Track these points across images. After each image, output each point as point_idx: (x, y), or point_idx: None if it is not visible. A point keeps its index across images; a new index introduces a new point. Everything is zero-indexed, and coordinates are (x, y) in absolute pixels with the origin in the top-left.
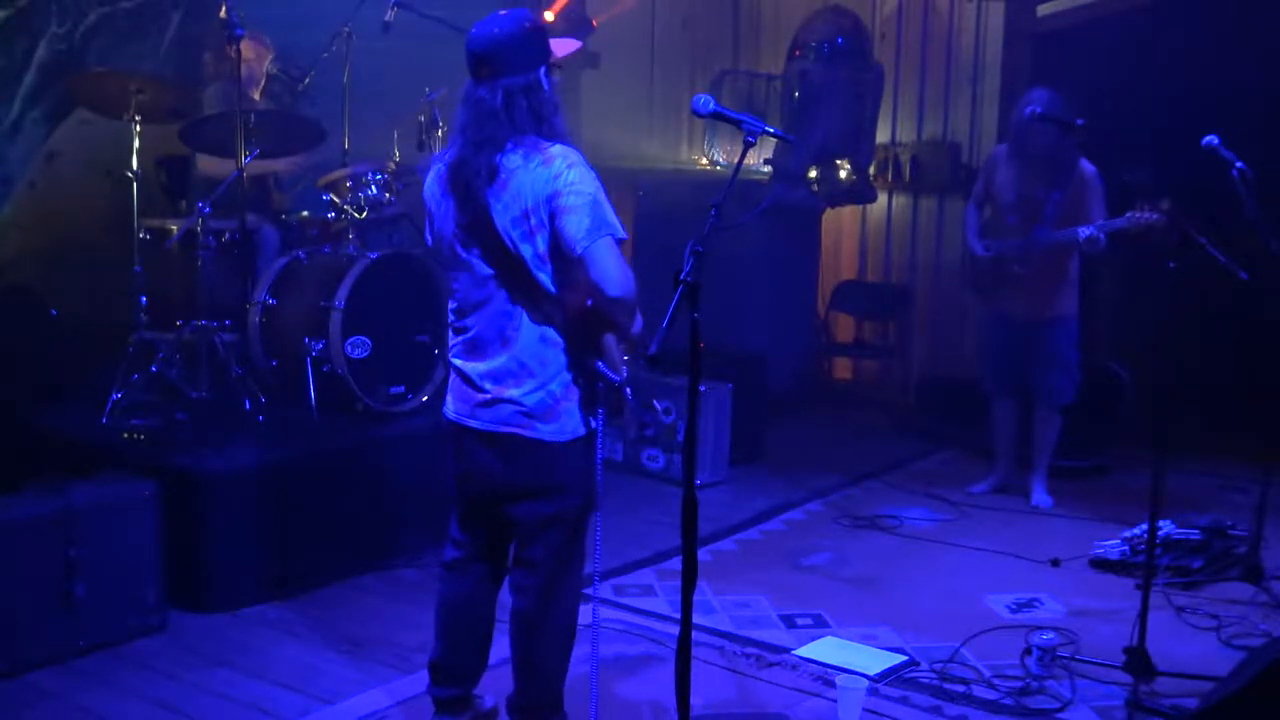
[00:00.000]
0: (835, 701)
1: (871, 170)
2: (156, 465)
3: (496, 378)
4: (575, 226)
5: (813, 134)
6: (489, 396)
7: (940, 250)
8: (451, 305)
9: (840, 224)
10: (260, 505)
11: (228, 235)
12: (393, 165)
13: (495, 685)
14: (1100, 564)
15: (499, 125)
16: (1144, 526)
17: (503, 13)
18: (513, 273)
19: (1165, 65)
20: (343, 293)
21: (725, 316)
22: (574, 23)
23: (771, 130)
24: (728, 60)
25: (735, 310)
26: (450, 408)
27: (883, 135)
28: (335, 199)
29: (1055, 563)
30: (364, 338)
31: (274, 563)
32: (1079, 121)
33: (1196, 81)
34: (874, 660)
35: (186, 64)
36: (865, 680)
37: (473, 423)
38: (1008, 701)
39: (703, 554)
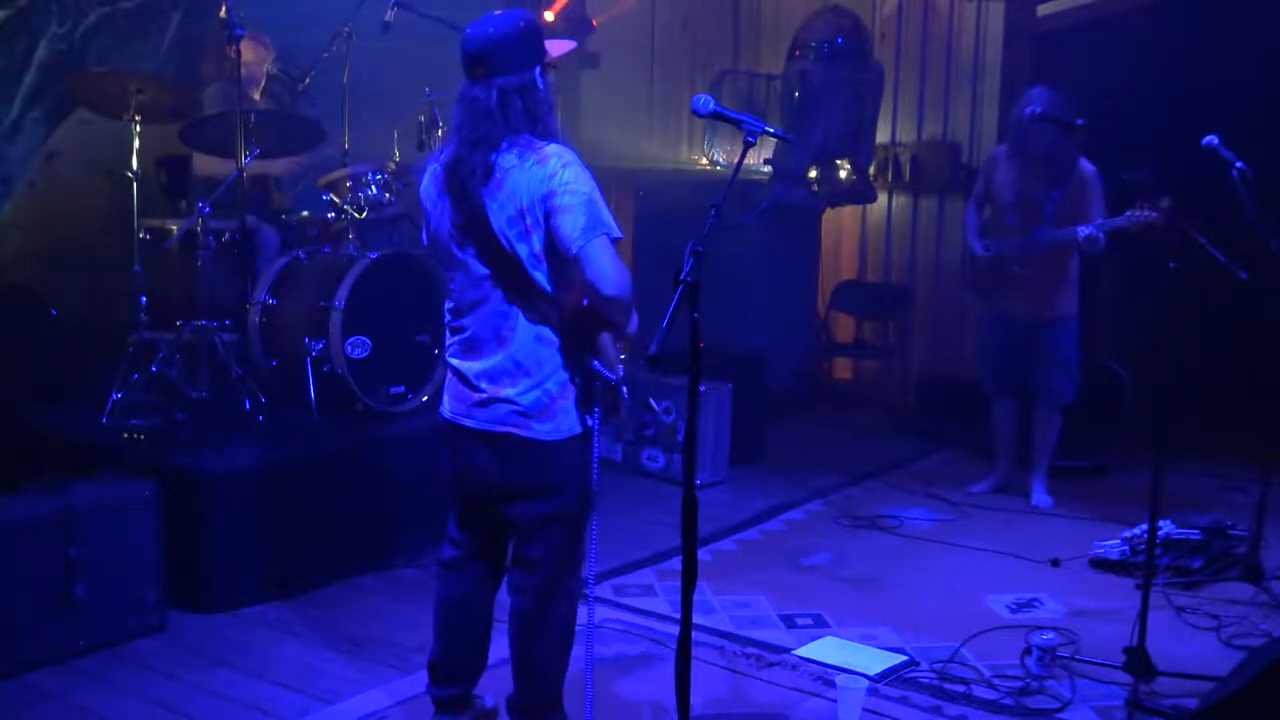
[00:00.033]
0: (835, 701)
1: (871, 170)
2: (156, 465)
3: (492, 377)
4: (570, 226)
5: (813, 134)
6: (485, 396)
7: (940, 250)
8: (448, 305)
9: (840, 224)
10: (260, 505)
11: (228, 235)
12: (393, 165)
13: (495, 685)
14: (1100, 564)
15: (494, 124)
16: (1144, 526)
17: (498, 13)
18: (509, 272)
19: (1165, 65)
20: (343, 293)
21: (725, 316)
22: (574, 23)
23: (771, 130)
24: (728, 60)
25: (735, 310)
26: (447, 407)
27: (883, 135)
28: (335, 199)
29: (1055, 563)
30: (364, 338)
31: (274, 563)
32: (1079, 121)
33: (1196, 81)
34: (874, 660)
35: (186, 64)
36: (865, 680)
37: (469, 422)
38: (1008, 701)
39: (703, 554)
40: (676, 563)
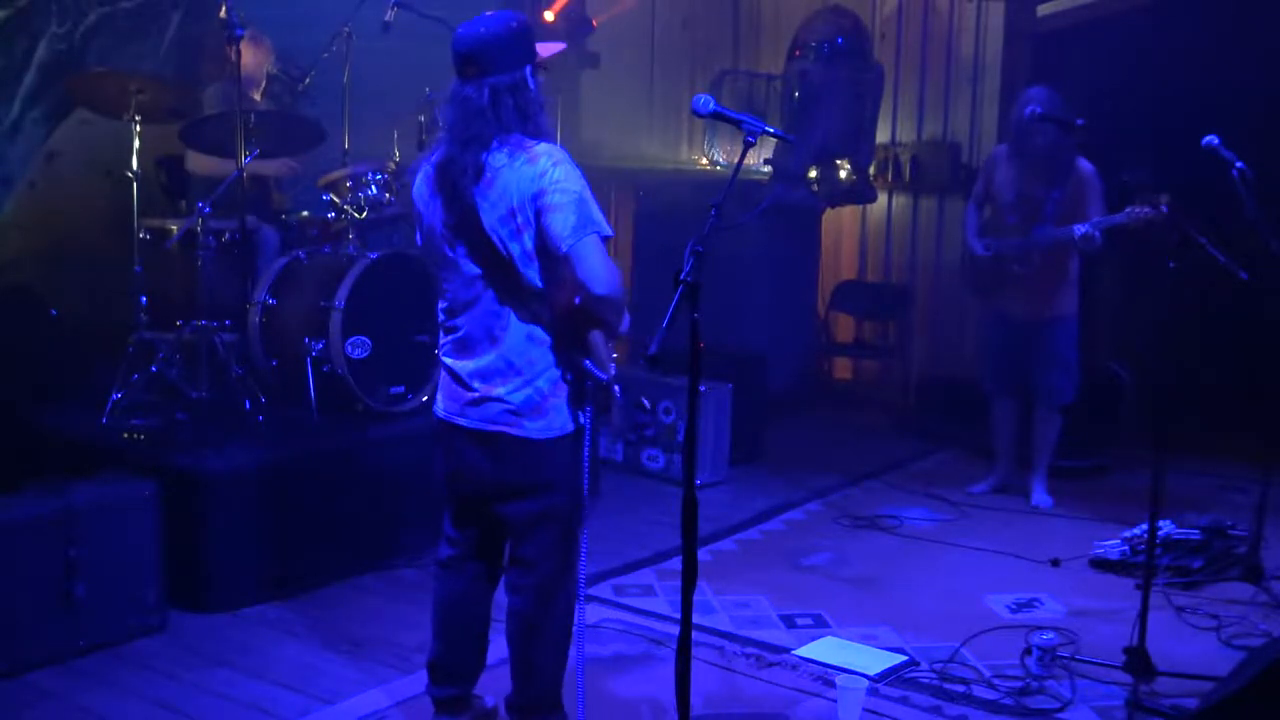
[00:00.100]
0: (835, 701)
1: (871, 170)
2: (156, 465)
3: (485, 376)
4: (561, 224)
5: (813, 134)
6: (477, 395)
7: (940, 250)
8: (441, 305)
9: (840, 224)
10: (260, 505)
11: (228, 235)
12: (393, 165)
13: (495, 685)
14: (1100, 564)
15: (485, 123)
16: (1144, 526)
17: (489, 13)
18: (501, 272)
19: (1165, 65)
20: (343, 293)
21: (725, 316)
22: (574, 23)
23: (771, 130)
24: (728, 60)
25: (735, 310)
26: (440, 406)
27: (883, 135)
28: (335, 199)
29: (1055, 563)
30: (364, 338)
31: (274, 563)
32: (1079, 121)
33: (1196, 81)
34: (874, 660)
35: (186, 64)
36: (865, 680)
37: (462, 421)
38: (1008, 701)
39: (703, 554)
40: (676, 563)
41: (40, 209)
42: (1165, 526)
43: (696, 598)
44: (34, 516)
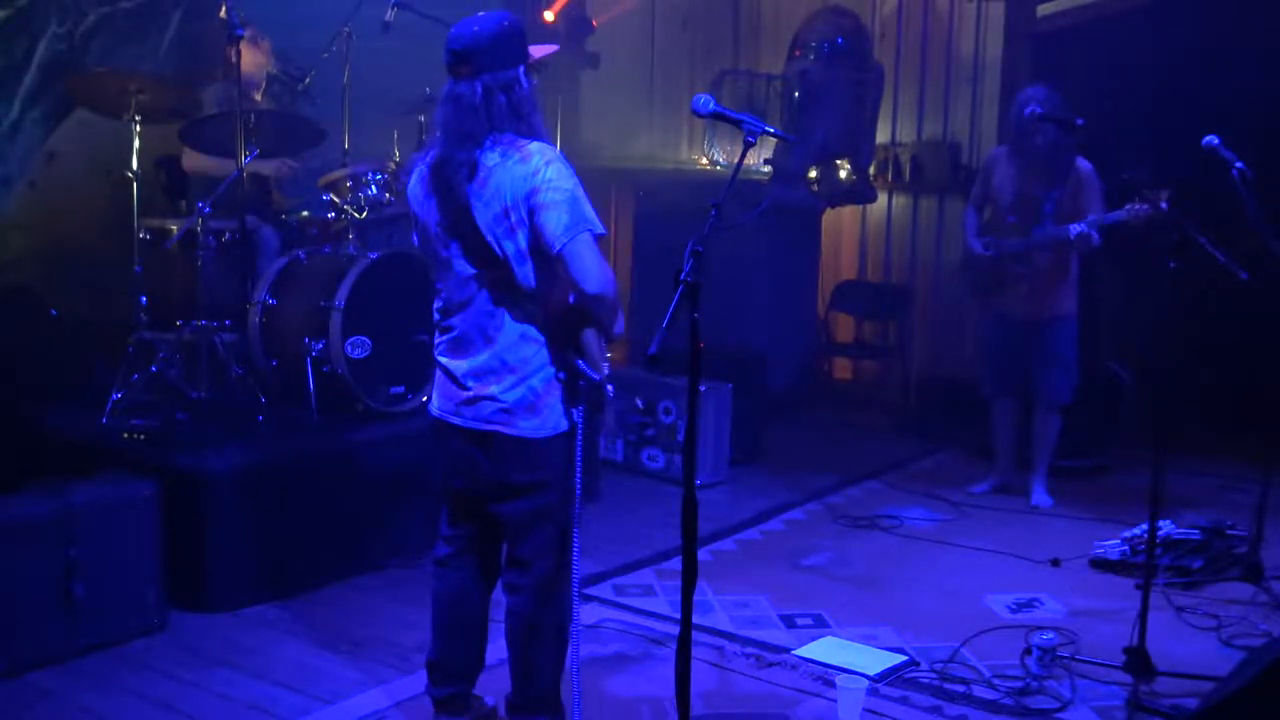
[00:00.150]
0: (835, 701)
1: (871, 170)
2: (156, 465)
3: (478, 375)
4: (554, 223)
5: (813, 134)
6: (471, 394)
7: (940, 250)
8: (436, 304)
9: (840, 224)
10: (260, 505)
11: (228, 235)
12: (393, 165)
13: (495, 685)
14: (1100, 564)
15: (478, 121)
16: (1144, 526)
17: (482, 13)
18: (495, 271)
19: (1165, 65)
20: (343, 293)
21: (725, 316)
22: (574, 23)
23: (771, 130)
24: (728, 60)
25: (735, 310)
26: (435, 405)
27: (883, 135)
28: (335, 199)
29: (1055, 563)
30: (364, 338)
31: (274, 563)
32: (1079, 121)
33: (1196, 81)
34: (874, 660)
35: (186, 64)
36: (865, 680)
37: (456, 420)
38: (1008, 701)
39: (703, 554)
40: (676, 563)
41: (40, 209)
42: (1165, 526)
43: (696, 598)
44: (34, 516)
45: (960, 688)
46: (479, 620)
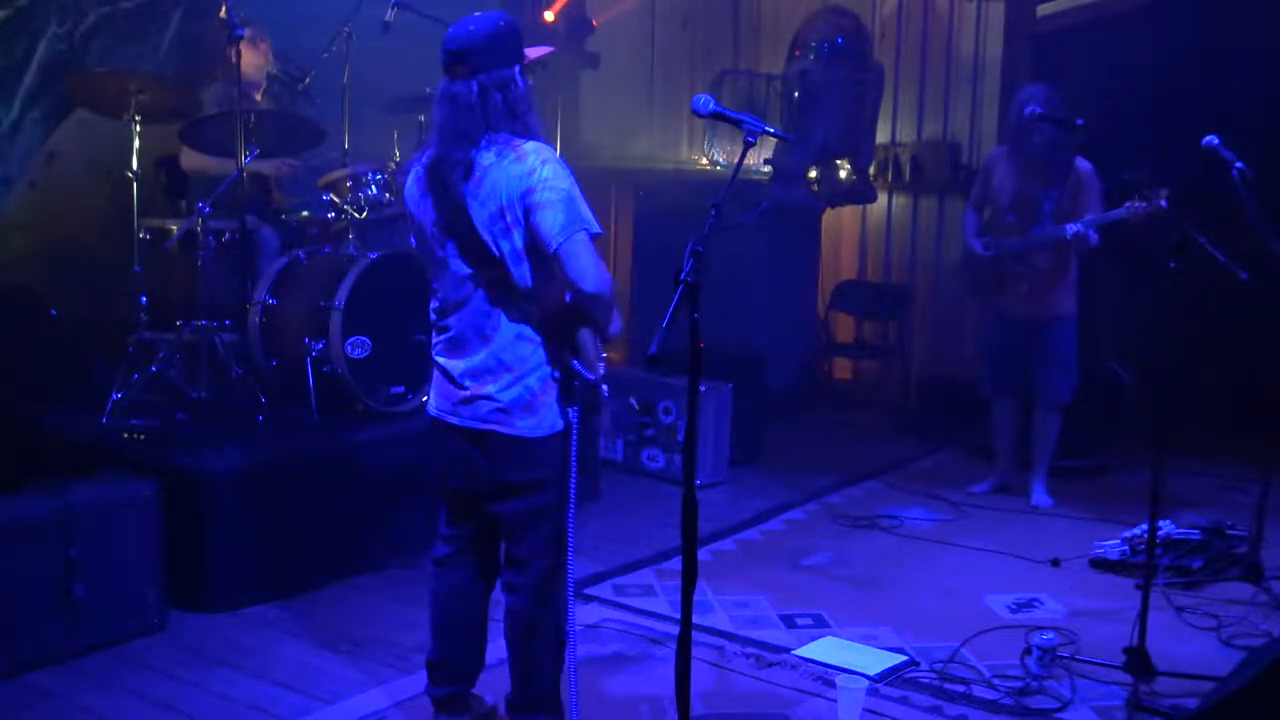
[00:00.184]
0: (835, 701)
1: (871, 170)
2: (156, 465)
3: (475, 375)
4: (550, 223)
5: (813, 134)
6: (468, 394)
7: (940, 250)
8: (433, 305)
9: (840, 224)
10: (260, 505)
11: (228, 235)
12: (393, 165)
13: (495, 685)
14: (1100, 564)
15: (474, 120)
16: (1144, 526)
17: (477, 13)
18: (491, 271)
19: (1165, 65)
20: (343, 293)
21: (725, 316)
22: (574, 23)
23: (771, 130)
24: (728, 60)
25: (735, 310)
26: (433, 404)
27: (883, 135)
28: (335, 199)
29: (1055, 563)
30: (364, 338)
31: (274, 563)
32: (1079, 121)
33: (1196, 81)
34: (874, 660)
35: (186, 64)
36: (865, 680)
37: (454, 419)
38: (1008, 701)
39: (703, 554)
40: (676, 563)
41: (40, 209)
42: (1165, 526)
43: (696, 597)
44: (34, 516)
45: (960, 688)
46: (478, 620)
